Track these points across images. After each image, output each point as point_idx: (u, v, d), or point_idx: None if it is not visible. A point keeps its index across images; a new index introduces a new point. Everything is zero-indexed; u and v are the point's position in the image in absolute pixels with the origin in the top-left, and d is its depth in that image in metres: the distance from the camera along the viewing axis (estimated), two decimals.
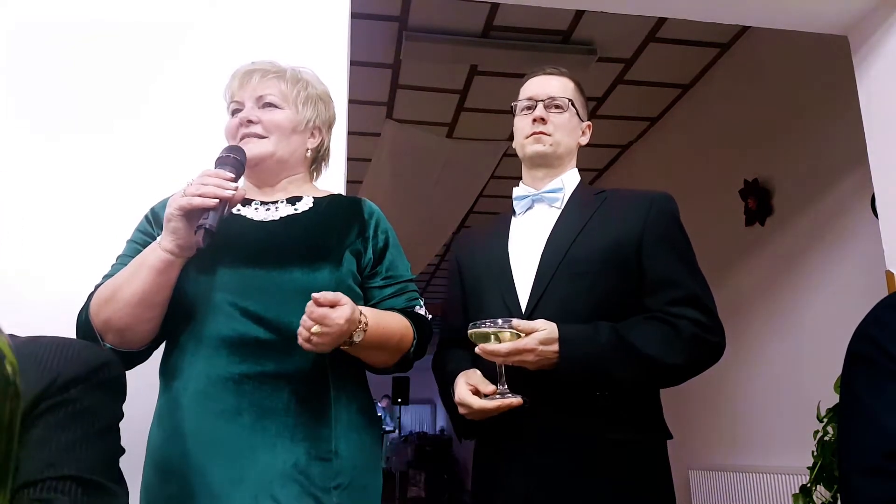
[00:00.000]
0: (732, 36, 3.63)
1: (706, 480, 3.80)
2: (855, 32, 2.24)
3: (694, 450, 3.93)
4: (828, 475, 2.26)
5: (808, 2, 2.16)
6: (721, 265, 3.68)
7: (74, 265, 1.48)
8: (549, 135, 1.48)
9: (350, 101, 1.77)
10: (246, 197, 1.28)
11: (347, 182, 1.69)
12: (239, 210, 1.27)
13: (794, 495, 2.44)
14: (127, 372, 1.21)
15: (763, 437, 3.44)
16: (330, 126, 1.42)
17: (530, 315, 1.33)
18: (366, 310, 1.17)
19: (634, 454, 1.30)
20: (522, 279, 1.40)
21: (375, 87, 4.07)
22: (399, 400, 10.02)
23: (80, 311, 1.19)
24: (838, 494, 2.20)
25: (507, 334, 1.25)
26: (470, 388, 1.31)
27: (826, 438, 2.32)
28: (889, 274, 2.05)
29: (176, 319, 1.19)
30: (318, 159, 1.41)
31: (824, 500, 2.32)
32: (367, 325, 1.14)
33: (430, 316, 1.33)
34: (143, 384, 1.25)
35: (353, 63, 1.94)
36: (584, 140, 1.57)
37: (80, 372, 0.86)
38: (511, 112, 1.56)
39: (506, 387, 1.27)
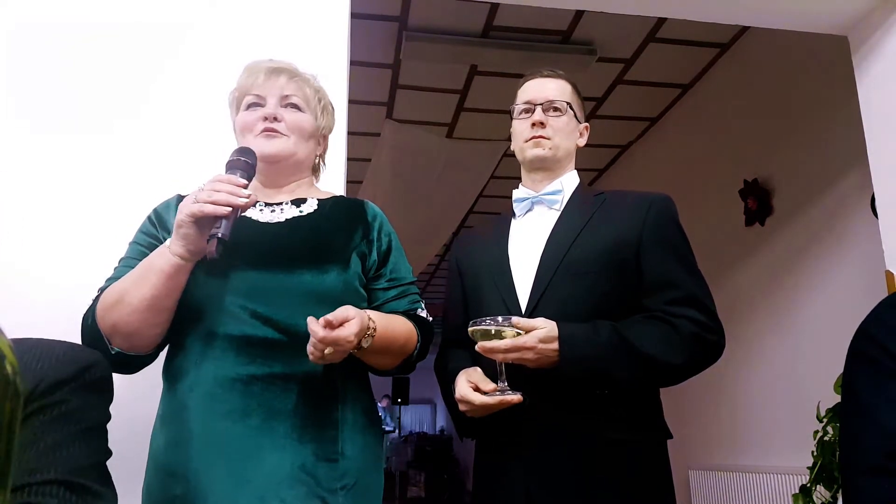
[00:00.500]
0: (732, 36, 3.63)
1: (706, 480, 3.80)
2: (855, 32, 2.24)
3: (694, 450, 3.93)
4: (828, 475, 2.27)
5: (808, 2, 2.16)
6: (721, 265, 3.68)
7: (75, 265, 1.48)
8: (549, 138, 1.48)
9: (350, 101, 1.77)
10: None
11: (347, 182, 1.69)
12: (244, 211, 1.25)
13: (794, 495, 2.44)
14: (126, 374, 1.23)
15: (763, 437, 3.44)
16: (330, 133, 1.44)
17: (530, 316, 1.33)
18: (373, 314, 1.17)
19: (634, 453, 1.30)
20: (522, 280, 1.41)
21: (375, 87, 4.07)
22: (399, 400, 10.03)
23: (86, 314, 1.18)
24: (838, 494, 2.21)
25: (507, 332, 1.25)
26: (471, 386, 1.31)
27: (826, 438, 2.32)
28: (889, 274, 2.05)
29: (181, 321, 1.18)
30: (318, 164, 1.43)
31: (824, 500, 2.32)
32: (375, 330, 1.14)
33: (430, 318, 1.34)
34: (147, 386, 1.25)
35: (353, 63, 1.94)
36: (582, 142, 1.57)
37: (66, 374, 0.85)
38: (509, 115, 1.56)
39: (506, 384, 1.28)
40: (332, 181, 1.56)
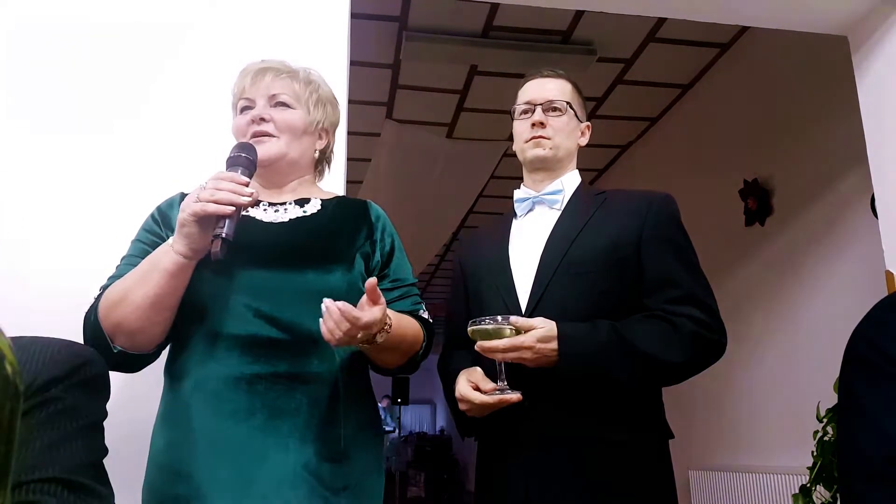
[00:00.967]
0: (732, 36, 3.63)
1: (706, 480, 3.80)
2: (855, 32, 2.24)
3: (694, 450, 3.93)
4: (828, 475, 2.26)
5: (808, 2, 2.16)
6: (721, 265, 3.68)
7: (75, 265, 1.48)
8: (549, 139, 1.48)
9: (350, 101, 1.77)
10: None
11: (347, 182, 1.70)
12: (248, 211, 1.25)
13: (794, 495, 2.44)
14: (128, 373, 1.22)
15: (763, 437, 3.44)
16: (335, 128, 1.42)
17: (530, 316, 1.33)
18: (389, 311, 1.16)
19: (635, 454, 1.30)
20: (522, 280, 1.41)
21: (375, 87, 4.07)
22: (399, 400, 10.02)
23: (88, 313, 1.17)
24: (838, 495, 2.20)
25: (506, 331, 1.25)
26: (471, 385, 1.31)
27: (826, 438, 2.32)
28: (889, 274, 2.05)
29: (185, 319, 1.18)
30: (322, 161, 1.41)
31: (824, 500, 2.32)
32: (391, 326, 1.14)
33: (431, 319, 1.34)
34: (147, 384, 1.25)
35: (353, 63, 1.94)
36: (584, 141, 1.57)
37: (61, 371, 0.85)
38: (510, 115, 1.56)
39: (505, 383, 1.28)
40: (332, 181, 1.56)
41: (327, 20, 1.76)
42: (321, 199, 1.33)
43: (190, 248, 1.12)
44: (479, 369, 1.36)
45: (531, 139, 1.49)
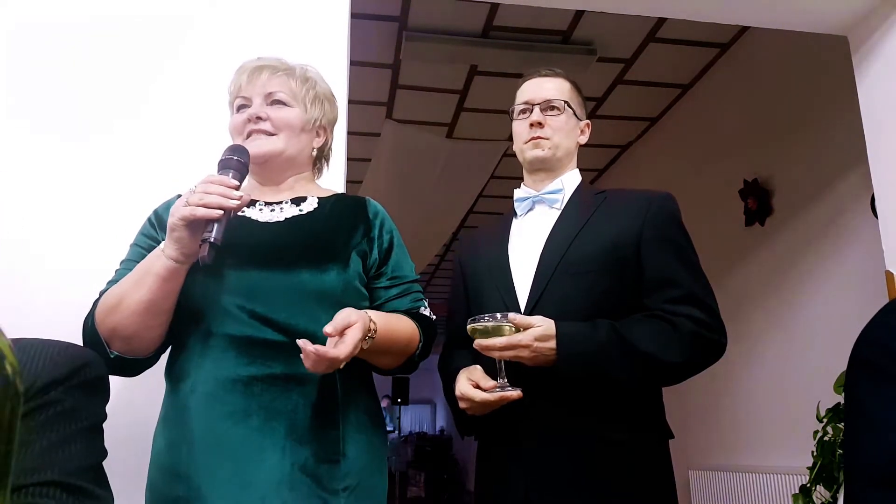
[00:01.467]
0: (732, 36, 3.63)
1: (706, 480, 3.80)
2: (855, 32, 2.24)
3: (694, 450, 3.93)
4: (828, 475, 2.26)
5: (808, 2, 2.16)
6: (721, 265, 3.68)
7: (75, 266, 1.48)
8: (548, 139, 1.48)
9: (350, 101, 1.77)
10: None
11: (347, 182, 1.69)
12: (243, 211, 1.24)
13: (794, 495, 2.44)
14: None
15: (763, 437, 3.44)
16: (333, 125, 1.41)
17: (529, 315, 1.33)
18: (374, 315, 1.16)
19: (635, 453, 1.30)
20: (522, 279, 1.41)
21: (375, 87, 4.07)
22: (399, 400, 10.02)
23: (87, 318, 1.17)
24: (838, 494, 2.20)
25: (504, 328, 1.25)
26: (471, 383, 1.31)
27: (826, 438, 2.32)
28: (889, 274, 2.05)
29: (182, 322, 1.18)
30: (321, 158, 1.41)
31: (824, 500, 2.32)
32: (376, 331, 1.14)
33: (434, 316, 1.33)
34: (147, 387, 1.25)
35: (353, 63, 1.94)
36: (584, 139, 1.57)
37: (61, 373, 0.85)
38: (509, 115, 1.56)
39: (506, 381, 1.27)
40: (332, 181, 1.56)
41: (327, 20, 1.76)
42: (318, 197, 1.32)
43: (181, 253, 1.11)
44: (479, 367, 1.36)
45: (530, 140, 1.49)
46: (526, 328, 1.25)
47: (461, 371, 1.37)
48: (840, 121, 2.89)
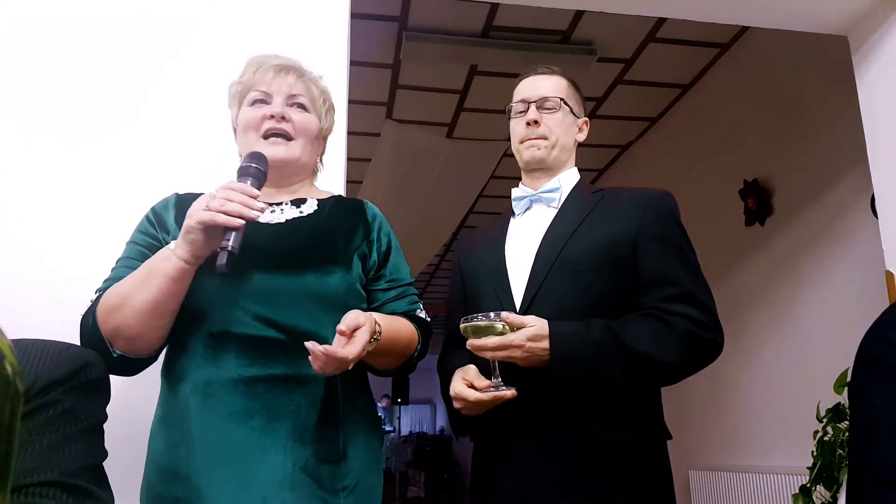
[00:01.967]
0: (732, 36, 3.63)
1: (706, 480, 3.80)
2: (855, 32, 2.24)
3: (694, 450, 3.93)
4: (828, 475, 2.26)
5: (808, 2, 2.16)
6: (721, 265, 3.68)
7: (74, 266, 1.48)
8: (545, 138, 1.48)
9: (350, 101, 1.77)
10: None
11: (347, 182, 1.69)
12: None
13: (794, 495, 2.44)
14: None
15: (763, 437, 3.44)
16: (329, 133, 1.43)
17: (525, 315, 1.33)
18: (378, 317, 1.16)
19: (632, 454, 1.29)
20: (517, 279, 1.40)
21: (375, 87, 4.07)
22: (399, 400, 10.02)
23: (86, 316, 1.16)
24: (839, 494, 2.20)
25: (497, 327, 1.24)
26: (465, 383, 1.30)
27: (826, 438, 2.32)
28: (889, 274, 2.05)
29: (182, 322, 1.17)
30: (317, 164, 1.42)
31: (824, 500, 2.32)
32: (380, 333, 1.14)
33: (428, 318, 1.33)
34: (146, 387, 1.25)
35: (353, 63, 1.94)
36: (582, 137, 1.56)
37: (61, 374, 0.85)
38: (506, 114, 1.56)
39: (500, 380, 1.27)
40: (332, 181, 1.56)
41: (327, 20, 1.76)
42: (318, 199, 1.33)
43: (192, 255, 1.11)
44: (473, 367, 1.35)
45: (526, 140, 1.48)
46: (519, 327, 1.24)
47: (456, 371, 1.37)
48: (840, 121, 2.89)
